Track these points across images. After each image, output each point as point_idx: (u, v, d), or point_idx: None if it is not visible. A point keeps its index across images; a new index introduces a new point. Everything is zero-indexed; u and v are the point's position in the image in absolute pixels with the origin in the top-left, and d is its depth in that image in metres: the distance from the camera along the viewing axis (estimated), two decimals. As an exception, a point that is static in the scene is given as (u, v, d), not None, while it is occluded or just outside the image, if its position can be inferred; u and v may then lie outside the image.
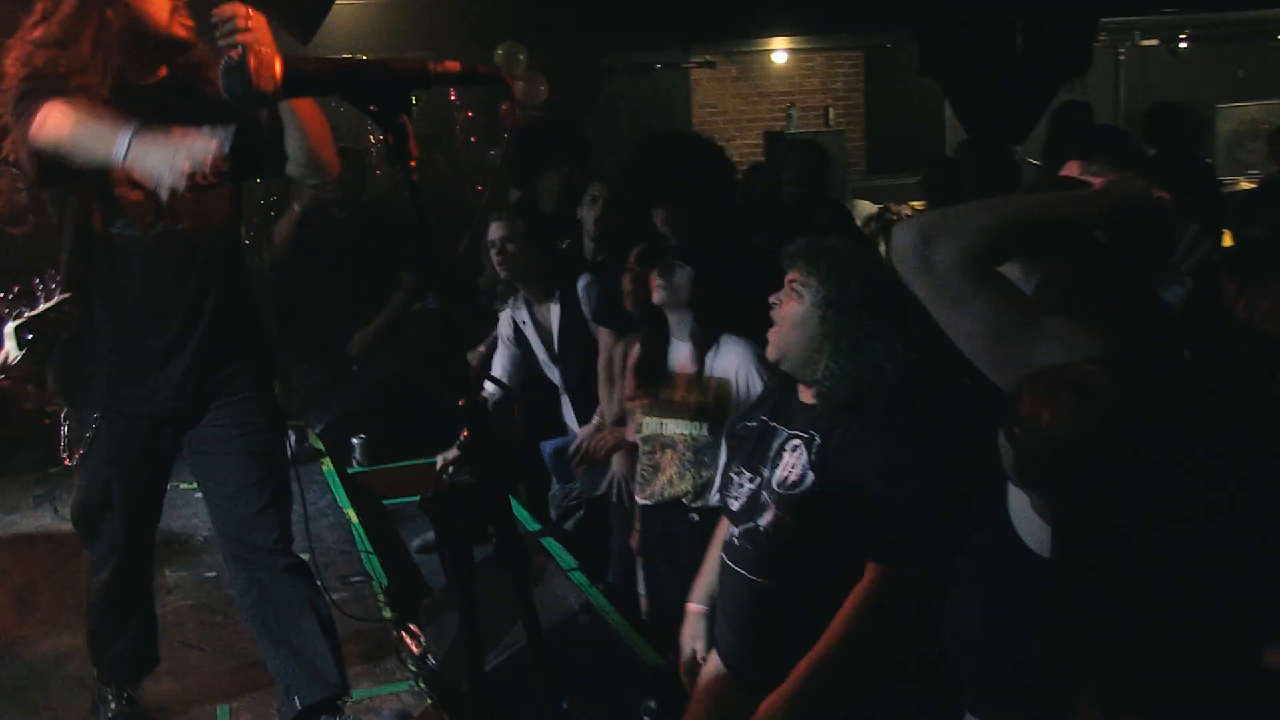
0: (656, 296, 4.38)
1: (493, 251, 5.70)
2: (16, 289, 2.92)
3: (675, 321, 4.44)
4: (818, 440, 3.17)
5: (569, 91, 12.33)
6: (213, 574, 5.58)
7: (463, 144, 11.97)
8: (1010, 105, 9.93)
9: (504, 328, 5.99)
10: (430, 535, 5.39)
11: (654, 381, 4.48)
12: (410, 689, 4.55)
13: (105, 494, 3.75)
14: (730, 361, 4.26)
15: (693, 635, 3.74)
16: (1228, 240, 4.70)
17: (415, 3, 11.35)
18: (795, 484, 3.15)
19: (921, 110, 13.14)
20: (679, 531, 4.37)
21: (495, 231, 5.66)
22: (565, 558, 5.21)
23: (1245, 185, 10.50)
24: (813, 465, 3.14)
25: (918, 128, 13.37)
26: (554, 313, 5.66)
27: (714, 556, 3.72)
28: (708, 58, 13.89)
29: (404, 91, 2.12)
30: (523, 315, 5.86)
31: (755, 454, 3.37)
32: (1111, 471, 2.03)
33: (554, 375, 5.83)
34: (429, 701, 4.41)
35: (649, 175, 4.93)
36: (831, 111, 14.07)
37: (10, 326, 2.76)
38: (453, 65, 2.12)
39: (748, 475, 3.35)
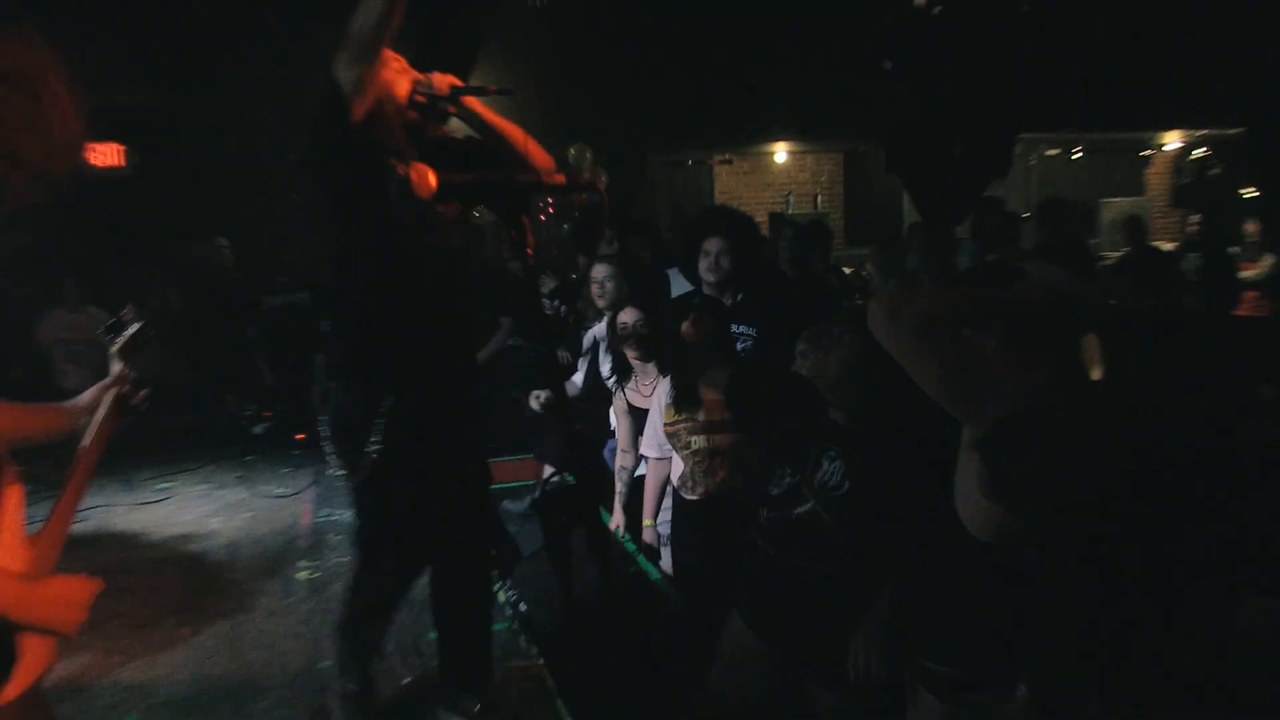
0: (691, 338, 4.26)
1: (594, 285, 5.43)
2: (113, 321, 2.83)
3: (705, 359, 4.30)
4: (848, 453, 3.06)
5: (622, 180, 12.51)
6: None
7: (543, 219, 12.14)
8: (952, 196, 10.04)
9: (587, 341, 5.65)
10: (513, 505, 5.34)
11: (693, 408, 4.30)
12: (508, 628, 4.43)
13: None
14: None
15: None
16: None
17: (505, 106, 11.47)
18: (835, 487, 3.03)
19: (886, 198, 13.24)
20: (726, 518, 4.11)
21: (599, 271, 5.45)
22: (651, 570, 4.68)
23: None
24: (848, 475, 3.03)
25: (883, 210, 13.50)
26: None
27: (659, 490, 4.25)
28: (727, 156, 13.99)
29: (524, 198, 2.18)
30: (601, 331, 5.38)
31: (797, 456, 3.20)
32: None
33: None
34: (521, 638, 4.32)
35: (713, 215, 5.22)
36: (819, 198, 14.11)
37: (113, 349, 2.67)
38: (560, 178, 2.28)
39: (790, 471, 3.18)
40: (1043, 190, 13.77)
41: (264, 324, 8.54)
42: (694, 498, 4.27)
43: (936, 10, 10.90)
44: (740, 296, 4.88)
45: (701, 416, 4.28)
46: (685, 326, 4.28)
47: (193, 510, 6.25)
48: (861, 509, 2.98)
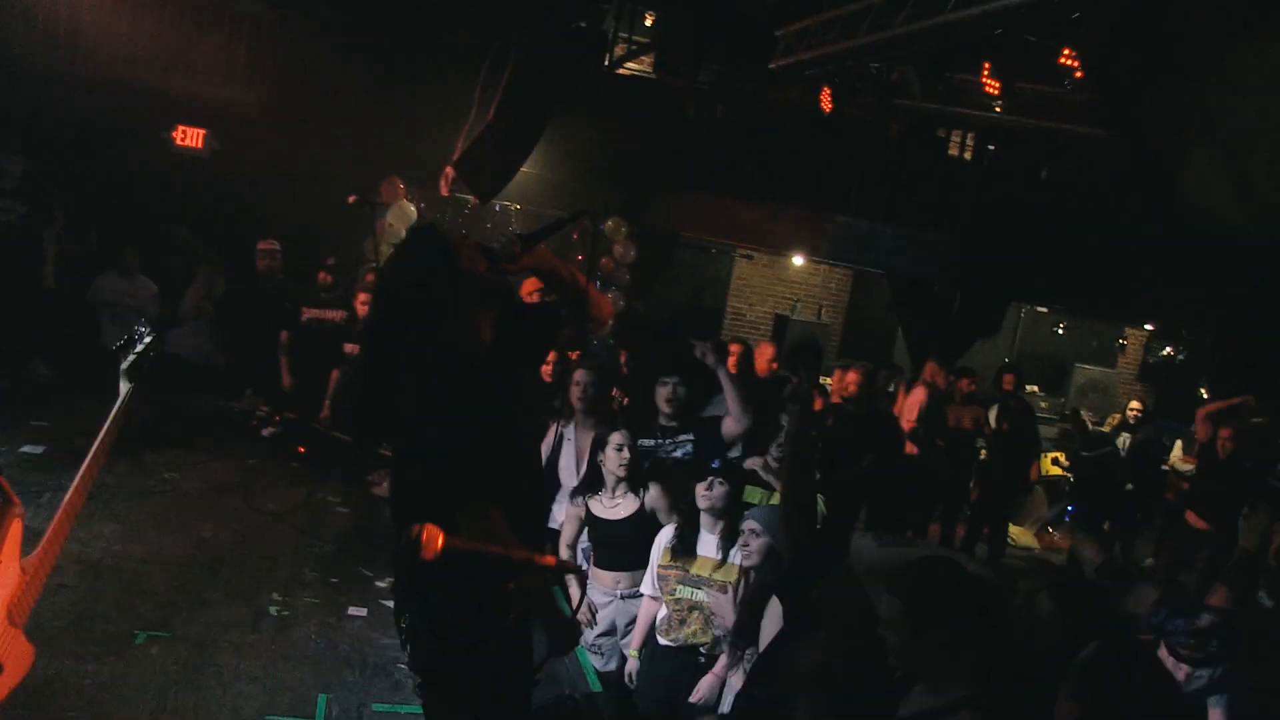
0: (702, 503, 4.44)
1: (576, 388, 5.51)
2: (125, 338, 2.94)
3: (709, 521, 4.48)
4: None
5: (650, 254, 12.65)
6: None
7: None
8: (943, 345, 10.17)
9: (552, 434, 5.61)
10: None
11: (686, 560, 4.47)
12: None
13: None
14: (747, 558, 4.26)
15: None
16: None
17: (546, 180, 11.54)
18: None
19: (886, 322, 13.36)
20: (687, 665, 4.38)
21: (581, 376, 5.55)
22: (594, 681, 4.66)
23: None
24: None
25: (880, 333, 13.63)
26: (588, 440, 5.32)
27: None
28: (749, 252, 14.10)
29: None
30: (570, 432, 5.60)
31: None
32: None
33: (569, 480, 5.45)
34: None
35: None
36: (823, 310, 14.19)
37: (123, 367, 2.80)
38: (548, 559, 2.33)
39: None
40: (1024, 344, 13.95)
41: (296, 333, 8.62)
42: (666, 642, 4.49)
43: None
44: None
45: (692, 570, 4.47)
46: (702, 489, 4.46)
47: (189, 511, 6.28)
48: None
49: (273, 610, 5.12)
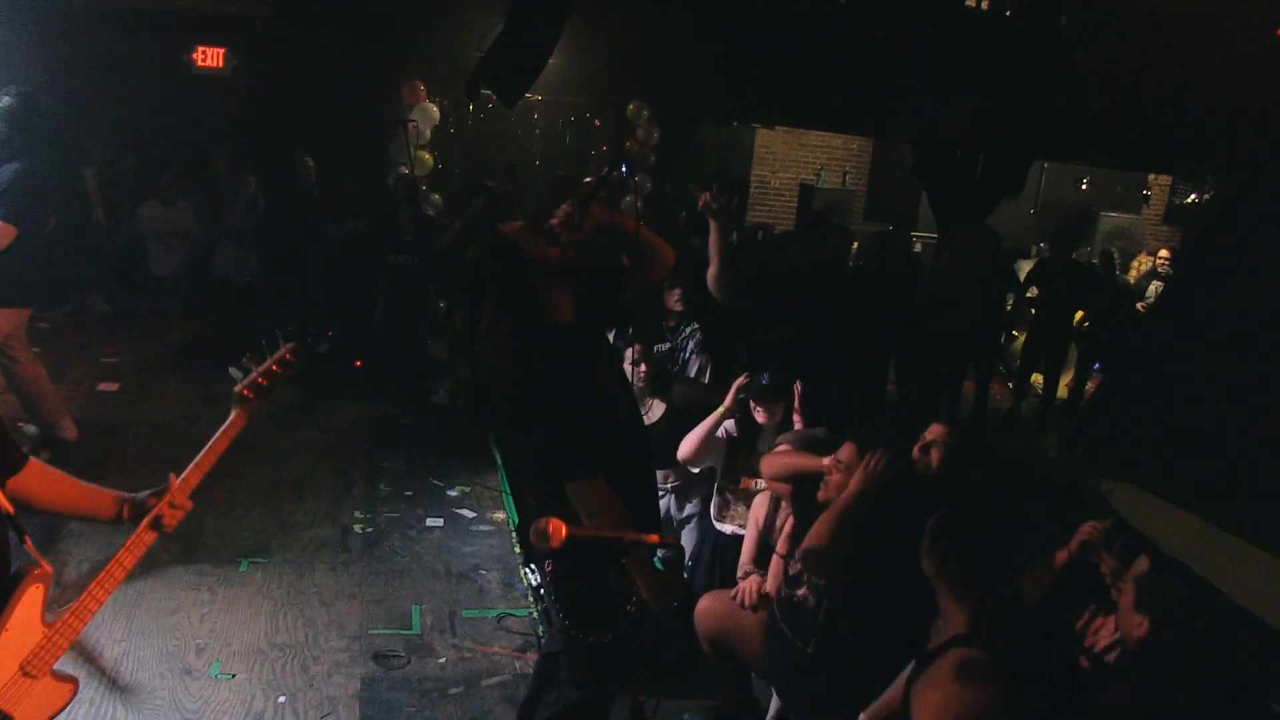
0: (761, 418, 4.59)
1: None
2: (243, 359, 2.74)
3: (769, 431, 4.60)
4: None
5: (674, 136, 12.68)
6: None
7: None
8: (967, 207, 10.27)
9: None
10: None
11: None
12: (528, 615, 4.76)
13: None
14: None
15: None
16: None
17: (563, 70, 11.48)
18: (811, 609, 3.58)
19: (909, 182, 13.33)
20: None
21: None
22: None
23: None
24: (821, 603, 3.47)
25: (903, 195, 13.63)
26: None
27: None
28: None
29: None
30: None
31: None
32: None
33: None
34: (539, 629, 4.53)
35: None
36: (847, 175, 14.20)
37: (237, 390, 2.62)
38: (652, 538, 2.48)
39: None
40: (1048, 193, 13.90)
41: (325, 250, 8.84)
42: (724, 528, 4.73)
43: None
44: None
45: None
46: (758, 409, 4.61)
47: (264, 436, 6.49)
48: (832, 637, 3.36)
49: (357, 528, 5.54)
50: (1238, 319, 5.75)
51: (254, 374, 2.72)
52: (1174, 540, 4.67)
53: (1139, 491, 5.27)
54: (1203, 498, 4.98)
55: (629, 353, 5.06)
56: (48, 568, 2.46)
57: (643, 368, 5.02)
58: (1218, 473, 5.00)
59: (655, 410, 5.20)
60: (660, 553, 3.24)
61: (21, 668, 2.38)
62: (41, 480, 2.52)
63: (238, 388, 2.68)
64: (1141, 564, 2.73)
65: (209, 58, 10.75)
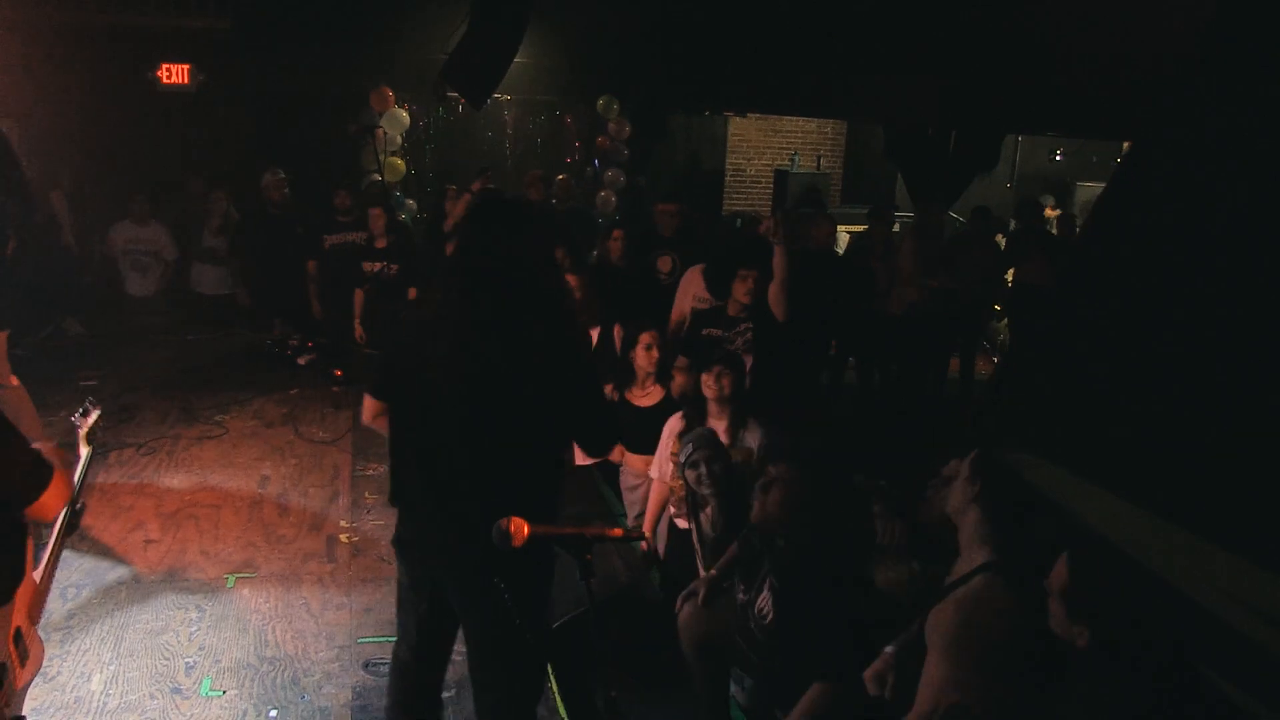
0: (708, 392, 4.63)
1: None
2: (81, 409, 3.22)
3: (717, 410, 4.66)
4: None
5: (646, 128, 12.70)
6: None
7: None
8: (942, 184, 10.30)
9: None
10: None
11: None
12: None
13: None
14: (753, 440, 4.60)
15: None
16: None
17: (532, 68, 11.48)
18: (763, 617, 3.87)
19: (881, 166, 13.36)
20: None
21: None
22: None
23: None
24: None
25: (879, 178, 13.65)
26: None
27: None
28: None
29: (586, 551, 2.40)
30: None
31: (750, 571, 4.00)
32: None
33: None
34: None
35: None
36: (821, 159, 14.22)
37: (82, 432, 3.12)
38: (616, 532, 2.56)
39: (743, 588, 4.01)
40: (1023, 170, 13.95)
41: (322, 260, 8.82)
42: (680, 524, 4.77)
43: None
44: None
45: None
46: (708, 379, 4.66)
47: (246, 450, 6.62)
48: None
49: (343, 538, 5.52)
50: (1140, 288, 5.62)
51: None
52: (1093, 517, 4.67)
53: (1054, 468, 5.20)
54: (1116, 474, 4.88)
55: (644, 337, 5.27)
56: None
57: (654, 353, 5.27)
58: (1128, 447, 4.87)
59: (653, 395, 5.35)
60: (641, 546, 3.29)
61: (29, 614, 2.59)
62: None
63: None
64: (1060, 573, 2.65)
65: (174, 74, 10.71)
